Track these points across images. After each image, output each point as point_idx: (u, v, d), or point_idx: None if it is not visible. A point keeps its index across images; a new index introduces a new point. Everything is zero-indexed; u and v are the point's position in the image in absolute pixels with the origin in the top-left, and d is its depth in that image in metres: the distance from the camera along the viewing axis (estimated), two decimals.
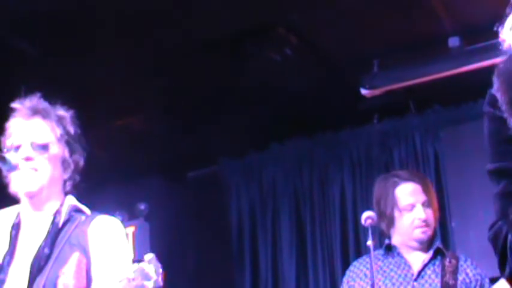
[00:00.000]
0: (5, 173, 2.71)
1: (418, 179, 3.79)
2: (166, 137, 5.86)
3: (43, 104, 2.81)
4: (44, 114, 2.78)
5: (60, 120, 2.80)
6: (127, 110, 5.59)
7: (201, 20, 4.57)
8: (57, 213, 2.75)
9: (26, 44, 4.65)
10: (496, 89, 1.62)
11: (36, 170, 2.71)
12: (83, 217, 2.77)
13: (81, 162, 2.84)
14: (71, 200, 2.82)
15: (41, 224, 2.75)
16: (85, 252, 2.66)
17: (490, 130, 1.66)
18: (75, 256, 2.63)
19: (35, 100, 2.81)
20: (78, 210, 2.80)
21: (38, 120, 2.77)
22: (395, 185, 3.73)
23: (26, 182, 2.72)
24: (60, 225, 2.72)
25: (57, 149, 2.78)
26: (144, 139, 5.85)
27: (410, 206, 3.67)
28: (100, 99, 5.03)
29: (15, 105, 2.80)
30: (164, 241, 6.09)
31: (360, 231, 5.65)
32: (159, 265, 2.18)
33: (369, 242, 3.52)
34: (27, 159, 2.70)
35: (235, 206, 6.39)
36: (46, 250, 2.65)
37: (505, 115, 1.59)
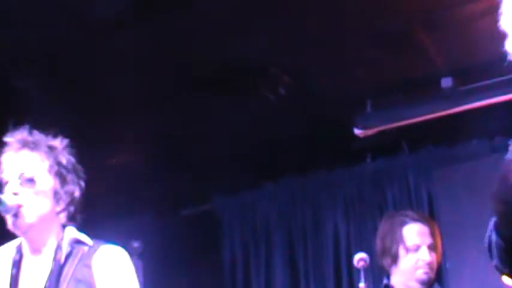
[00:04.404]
0: (1, 213, 2.58)
1: (426, 221, 3.75)
2: (160, 174, 5.85)
3: (33, 136, 2.70)
4: (32, 146, 2.67)
5: (50, 150, 2.69)
6: (121, 147, 5.60)
7: (195, 57, 4.60)
8: (58, 248, 2.64)
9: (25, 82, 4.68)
10: None
11: (22, 206, 2.60)
12: (86, 248, 2.67)
13: (77, 193, 2.71)
14: (71, 232, 2.70)
15: (42, 261, 2.65)
16: (91, 287, 2.58)
17: None
18: None
19: (24, 132, 2.70)
20: (79, 242, 2.69)
21: (25, 153, 2.66)
22: (404, 224, 3.68)
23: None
24: (62, 261, 2.62)
25: (46, 181, 2.66)
26: (138, 176, 5.84)
27: (416, 246, 3.63)
28: (93, 137, 5.03)
29: (6, 139, 2.70)
30: (158, 279, 6.05)
31: (353, 272, 5.60)
32: None
33: (361, 284, 3.51)
34: (14, 194, 2.59)
35: (229, 243, 6.37)
36: None
37: None
